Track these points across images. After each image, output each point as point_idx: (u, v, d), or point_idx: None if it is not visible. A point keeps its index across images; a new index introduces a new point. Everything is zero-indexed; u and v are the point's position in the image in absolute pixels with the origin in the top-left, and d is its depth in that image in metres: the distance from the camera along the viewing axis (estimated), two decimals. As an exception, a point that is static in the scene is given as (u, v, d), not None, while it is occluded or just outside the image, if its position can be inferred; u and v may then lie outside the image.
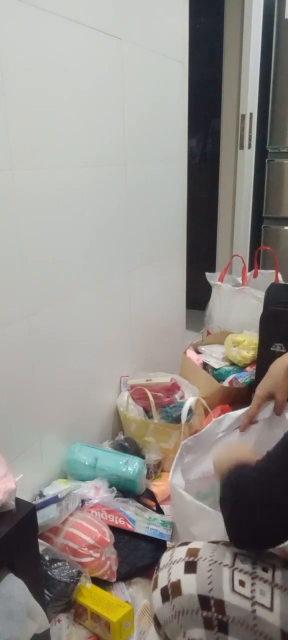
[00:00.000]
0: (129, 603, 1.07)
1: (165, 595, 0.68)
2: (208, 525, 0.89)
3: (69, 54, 1.25)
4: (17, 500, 0.84)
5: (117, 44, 1.44)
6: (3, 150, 1.08)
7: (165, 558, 0.73)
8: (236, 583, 0.64)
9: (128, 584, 1.15)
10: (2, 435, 1.16)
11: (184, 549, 0.71)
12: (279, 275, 2.29)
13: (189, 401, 1.39)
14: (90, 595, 1.06)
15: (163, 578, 0.70)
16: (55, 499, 1.14)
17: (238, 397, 1.73)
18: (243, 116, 2.60)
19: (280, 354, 1.13)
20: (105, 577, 1.12)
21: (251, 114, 2.61)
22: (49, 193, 1.24)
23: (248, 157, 2.68)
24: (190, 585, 0.66)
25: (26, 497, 1.23)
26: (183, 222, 2.09)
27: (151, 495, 1.37)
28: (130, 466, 1.34)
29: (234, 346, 1.93)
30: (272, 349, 1.64)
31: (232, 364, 1.95)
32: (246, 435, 1.16)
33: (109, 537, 1.14)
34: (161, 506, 1.37)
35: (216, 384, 1.77)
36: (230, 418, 1.16)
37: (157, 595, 0.70)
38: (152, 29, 1.63)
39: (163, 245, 1.92)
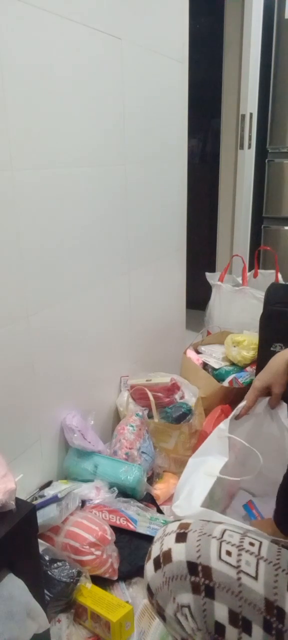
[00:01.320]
0: (129, 603, 1.07)
1: (157, 564, 0.72)
2: None
3: (69, 54, 1.25)
4: (17, 500, 0.84)
5: (117, 44, 1.44)
6: (3, 150, 1.08)
7: (158, 533, 0.77)
8: (223, 553, 0.68)
9: (128, 583, 1.15)
10: (2, 435, 1.16)
11: (176, 523, 0.75)
12: (279, 275, 2.29)
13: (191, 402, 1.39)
14: (90, 595, 1.06)
15: (156, 549, 0.74)
16: (55, 499, 1.14)
17: (238, 397, 1.72)
18: (243, 116, 2.60)
19: (280, 354, 1.13)
20: (106, 575, 1.12)
21: (251, 114, 2.61)
22: (49, 193, 1.24)
23: (248, 157, 2.68)
24: (180, 552, 0.70)
25: (26, 497, 1.23)
26: (183, 222, 2.09)
27: (151, 499, 1.37)
28: (129, 474, 1.35)
29: (234, 346, 1.93)
30: (272, 349, 1.64)
31: (232, 364, 1.95)
32: (237, 429, 1.17)
33: (110, 535, 1.14)
34: (161, 507, 1.37)
35: (216, 384, 1.77)
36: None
37: (150, 565, 0.73)
38: (152, 29, 1.63)
39: (163, 245, 1.92)
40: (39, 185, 1.20)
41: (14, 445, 1.23)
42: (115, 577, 1.13)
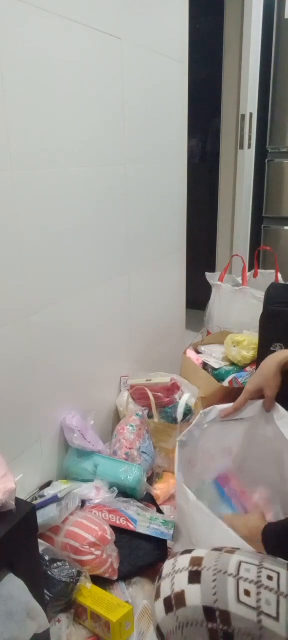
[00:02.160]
0: (129, 603, 1.07)
1: (169, 606, 0.67)
2: (207, 531, 0.89)
3: (69, 54, 1.25)
4: (17, 500, 0.84)
5: (117, 44, 1.44)
6: (3, 150, 1.08)
7: (167, 567, 0.71)
8: (241, 593, 0.63)
9: (128, 583, 1.15)
10: (2, 435, 1.16)
11: (187, 557, 0.70)
12: (279, 275, 2.29)
13: (184, 398, 1.39)
14: (90, 595, 1.06)
15: (166, 588, 0.68)
16: (55, 499, 1.14)
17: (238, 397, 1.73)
18: (243, 116, 2.60)
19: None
20: (106, 575, 1.12)
21: (251, 114, 2.61)
22: (49, 193, 1.24)
23: (248, 157, 2.68)
24: (195, 596, 0.65)
25: (26, 497, 1.23)
26: (183, 222, 2.09)
27: (151, 499, 1.37)
28: (129, 474, 1.34)
29: (234, 346, 1.93)
30: (272, 349, 1.64)
31: (232, 364, 1.95)
32: (232, 433, 1.17)
33: (109, 534, 1.14)
34: (161, 507, 1.37)
35: (216, 384, 1.77)
36: (216, 410, 1.17)
37: (160, 605, 0.68)
38: (152, 29, 1.63)
39: (163, 245, 1.92)
40: (39, 185, 1.20)
41: (14, 445, 1.23)
42: (115, 577, 1.13)
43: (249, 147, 2.67)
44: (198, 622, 0.63)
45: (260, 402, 1.14)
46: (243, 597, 0.63)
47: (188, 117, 1.98)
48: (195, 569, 0.67)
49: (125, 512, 1.24)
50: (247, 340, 1.90)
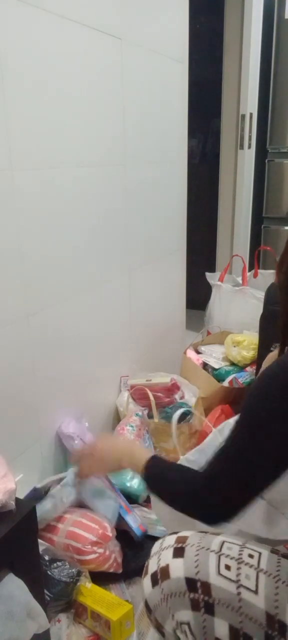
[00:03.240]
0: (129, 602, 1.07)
1: (155, 580, 0.70)
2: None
3: (69, 54, 1.25)
4: (17, 500, 0.84)
5: (117, 44, 1.44)
6: (3, 150, 1.08)
7: (155, 547, 0.75)
8: (222, 567, 0.66)
9: (128, 583, 1.15)
10: (2, 435, 1.16)
11: (173, 537, 0.74)
12: (279, 275, 2.28)
13: (179, 412, 1.36)
14: (90, 595, 1.06)
15: (153, 564, 0.72)
16: (33, 492, 1.15)
17: (238, 397, 1.73)
18: (243, 116, 2.60)
19: (279, 355, 1.12)
20: (111, 570, 1.13)
21: (251, 114, 2.61)
22: (49, 193, 1.24)
23: (248, 157, 2.68)
24: (178, 568, 0.68)
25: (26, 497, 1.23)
26: (183, 222, 2.09)
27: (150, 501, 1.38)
28: (136, 482, 1.35)
29: (234, 346, 1.93)
30: (272, 349, 1.64)
31: (232, 364, 1.95)
32: None
33: (110, 531, 1.14)
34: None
35: (216, 384, 1.78)
36: (230, 425, 1.14)
37: (147, 581, 0.72)
38: (152, 29, 1.63)
39: (163, 245, 1.92)
40: (39, 186, 1.20)
41: (14, 445, 1.23)
42: (120, 571, 1.14)
43: (249, 147, 2.67)
44: (181, 592, 0.67)
45: None
46: (223, 571, 0.66)
47: (188, 117, 1.98)
48: (179, 545, 0.71)
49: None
50: (247, 340, 1.90)
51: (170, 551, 0.71)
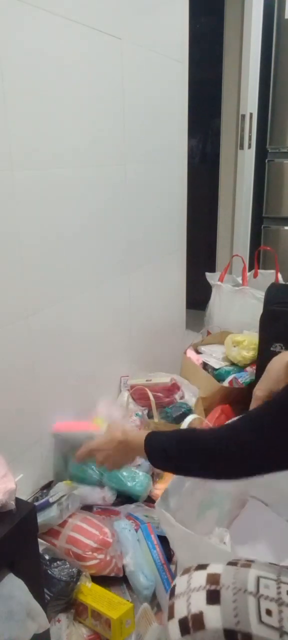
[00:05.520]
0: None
1: (185, 627, 0.62)
2: (192, 551, 0.87)
3: (69, 54, 1.25)
4: (17, 500, 0.84)
5: (117, 44, 1.44)
6: (3, 150, 1.08)
7: (181, 584, 0.66)
8: (263, 613, 0.60)
9: (128, 585, 1.15)
10: (2, 435, 1.16)
11: (203, 574, 0.66)
12: (279, 275, 2.28)
13: (189, 418, 1.36)
14: (90, 594, 1.06)
15: (181, 607, 0.64)
16: (46, 503, 1.15)
17: (238, 397, 1.73)
18: (243, 116, 2.60)
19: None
20: (112, 574, 1.12)
21: (251, 114, 2.61)
22: (49, 193, 1.24)
23: (248, 157, 2.68)
24: (215, 618, 0.61)
25: (26, 497, 1.23)
26: (183, 222, 2.09)
27: (151, 501, 1.37)
28: (137, 483, 1.35)
29: (234, 346, 1.93)
30: (272, 349, 1.64)
31: (232, 364, 1.95)
32: None
33: (110, 536, 1.14)
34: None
35: (216, 384, 1.78)
36: None
37: (174, 626, 0.63)
38: (152, 29, 1.63)
39: (163, 245, 1.92)
40: (38, 185, 1.20)
41: (14, 445, 1.23)
42: (121, 575, 1.13)
43: (249, 147, 2.67)
44: None
45: None
46: (264, 617, 0.60)
47: (188, 117, 1.98)
48: (213, 587, 0.63)
49: (133, 515, 1.26)
50: (247, 340, 1.90)
51: (203, 595, 0.63)
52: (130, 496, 1.35)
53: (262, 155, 2.71)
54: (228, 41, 2.57)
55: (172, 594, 0.67)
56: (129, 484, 1.35)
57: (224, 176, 2.76)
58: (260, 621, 0.60)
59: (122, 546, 1.16)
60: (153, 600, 1.13)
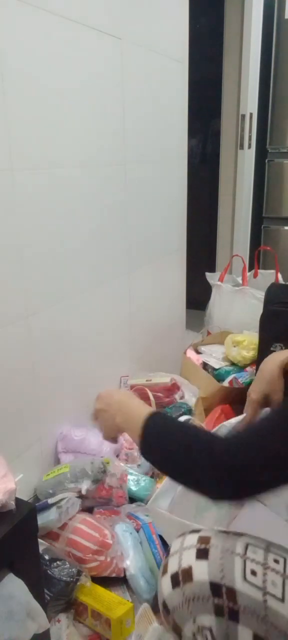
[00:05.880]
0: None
1: (176, 581, 0.68)
2: None
3: (69, 54, 1.25)
4: (17, 500, 0.84)
5: (117, 44, 1.44)
6: (3, 150, 1.08)
7: (175, 544, 0.72)
8: (248, 572, 0.64)
9: (128, 585, 1.15)
10: (2, 435, 1.16)
11: (195, 536, 0.71)
12: (279, 275, 2.29)
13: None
14: (90, 594, 1.06)
15: (173, 564, 0.69)
16: (45, 505, 1.15)
17: (238, 397, 1.73)
18: (243, 116, 2.60)
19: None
20: (113, 575, 1.12)
21: (251, 114, 2.61)
22: (49, 193, 1.24)
23: (248, 157, 2.68)
24: (202, 572, 0.66)
25: (27, 497, 1.23)
26: (183, 222, 2.09)
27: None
28: (142, 487, 1.36)
29: (234, 346, 1.93)
30: (272, 349, 1.64)
31: (232, 364, 1.95)
32: None
33: (110, 538, 1.14)
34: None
35: (216, 384, 1.77)
36: (225, 428, 1.10)
37: (166, 580, 0.69)
38: (152, 29, 1.63)
39: (163, 245, 1.92)
40: (39, 186, 1.20)
41: (14, 445, 1.23)
42: (122, 575, 1.13)
43: (249, 147, 2.67)
44: (205, 597, 0.64)
45: (267, 410, 1.07)
46: (249, 577, 0.64)
47: (188, 117, 1.98)
48: (203, 546, 0.68)
49: (134, 515, 1.26)
50: (247, 340, 1.90)
51: (193, 552, 0.68)
52: (134, 499, 1.36)
53: (262, 155, 2.71)
54: (228, 41, 2.57)
55: (167, 554, 0.72)
56: (133, 488, 1.35)
57: (224, 176, 2.76)
58: (245, 579, 0.63)
59: (122, 549, 1.16)
60: (154, 600, 1.13)
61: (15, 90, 1.09)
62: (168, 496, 0.98)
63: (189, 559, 0.68)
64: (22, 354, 1.22)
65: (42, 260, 1.25)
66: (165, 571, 0.70)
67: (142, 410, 0.77)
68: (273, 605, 0.61)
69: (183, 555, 0.69)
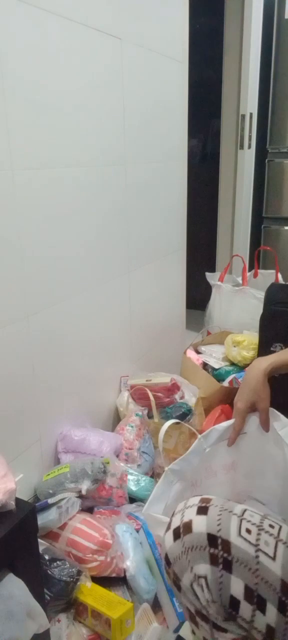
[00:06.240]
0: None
1: (177, 534, 0.73)
2: None
3: (69, 54, 1.25)
4: (17, 500, 0.84)
5: (117, 44, 1.44)
6: (3, 150, 1.08)
7: (179, 506, 0.77)
8: (243, 530, 0.69)
9: (128, 585, 1.15)
10: (2, 435, 1.17)
11: (198, 497, 0.76)
12: (279, 275, 2.29)
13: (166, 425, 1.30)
14: (90, 594, 1.06)
15: (176, 520, 0.75)
16: (44, 504, 1.15)
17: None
18: (243, 116, 2.60)
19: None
20: (113, 575, 1.12)
21: (251, 114, 2.61)
22: (49, 193, 1.24)
23: (248, 157, 2.68)
24: (201, 524, 0.71)
25: (26, 497, 1.24)
26: (183, 222, 2.09)
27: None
28: (142, 487, 1.36)
29: (234, 346, 1.93)
30: (272, 349, 1.64)
31: (232, 364, 1.95)
32: (235, 449, 1.09)
33: (110, 537, 1.14)
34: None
35: (216, 384, 1.77)
36: (216, 432, 1.08)
37: (169, 535, 0.74)
38: (152, 29, 1.63)
39: (163, 245, 1.92)
40: (39, 186, 1.20)
41: (14, 445, 1.23)
42: (122, 575, 1.13)
43: (249, 147, 2.67)
44: (202, 546, 0.69)
45: (255, 415, 1.05)
46: (244, 533, 0.68)
47: (188, 117, 1.98)
48: (203, 504, 0.74)
49: (135, 515, 1.26)
50: (247, 340, 1.90)
51: (194, 509, 0.74)
52: (135, 499, 1.36)
53: (262, 155, 2.71)
54: (228, 41, 2.57)
55: (172, 515, 0.77)
56: (133, 487, 1.35)
57: (224, 176, 2.76)
58: (239, 534, 0.68)
59: (122, 549, 1.16)
60: (154, 600, 1.13)
61: (16, 91, 1.09)
62: (162, 501, 0.97)
63: (190, 514, 0.73)
64: (22, 354, 1.22)
65: (42, 261, 1.25)
66: (168, 528, 0.76)
67: None
68: (265, 562, 0.66)
69: (185, 513, 0.74)
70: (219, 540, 0.68)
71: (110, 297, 1.58)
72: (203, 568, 0.68)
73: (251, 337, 1.90)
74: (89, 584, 1.08)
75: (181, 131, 1.95)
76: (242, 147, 2.65)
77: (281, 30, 2.48)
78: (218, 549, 0.68)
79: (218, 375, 1.90)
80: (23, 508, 0.85)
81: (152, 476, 1.49)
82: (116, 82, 1.47)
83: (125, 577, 1.14)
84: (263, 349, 1.71)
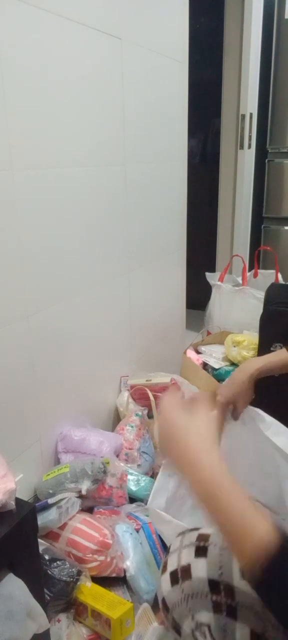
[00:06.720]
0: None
1: (175, 578, 0.68)
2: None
3: (69, 54, 1.25)
4: (17, 500, 0.84)
5: (117, 44, 1.44)
6: (3, 150, 1.08)
7: (175, 543, 0.72)
8: None
9: (128, 585, 1.15)
10: (2, 435, 1.16)
11: (195, 534, 0.71)
12: (279, 275, 2.29)
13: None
14: (90, 594, 1.06)
15: (173, 562, 0.70)
16: (44, 504, 1.15)
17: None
18: (243, 116, 2.60)
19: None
20: (113, 575, 1.12)
21: (251, 114, 2.61)
22: (49, 193, 1.24)
23: (248, 157, 2.68)
24: (201, 569, 0.66)
25: (27, 497, 1.23)
26: (183, 222, 2.09)
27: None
28: (142, 487, 1.36)
29: (234, 346, 1.93)
30: (272, 349, 1.64)
31: (232, 364, 1.95)
32: (228, 444, 1.11)
33: (110, 537, 1.14)
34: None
35: (216, 384, 1.77)
36: None
37: (166, 578, 0.70)
38: (152, 29, 1.63)
39: (163, 245, 1.92)
40: (39, 185, 1.20)
41: (14, 445, 1.23)
42: (122, 575, 1.13)
43: (249, 147, 2.67)
44: (203, 593, 0.64)
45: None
46: None
47: (188, 117, 1.98)
48: (202, 544, 0.68)
49: (135, 515, 1.26)
50: (247, 341, 1.90)
51: (192, 550, 0.69)
52: (135, 499, 1.36)
53: (262, 155, 2.71)
54: (228, 41, 2.57)
55: (167, 553, 0.72)
56: (133, 487, 1.35)
57: (224, 176, 2.76)
58: (243, 576, 0.62)
59: (122, 549, 1.16)
60: (154, 600, 1.13)
61: (16, 92, 1.09)
62: (163, 494, 0.98)
63: (188, 556, 0.68)
64: (22, 354, 1.22)
65: (42, 260, 1.25)
66: (164, 569, 0.71)
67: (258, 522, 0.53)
68: None
69: (182, 553, 0.69)
70: (222, 586, 0.63)
71: (110, 297, 1.58)
72: (206, 616, 0.64)
73: (251, 337, 1.90)
74: (89, 584, 1.08)
75: (181, 131, 1.95)
76: (242, 147, 2.65)
77: (281, 30, 2.48)
78: (221, 596, 0.63)
79: (218, 375, 1.90)
80: (23, 508, 0.85)
81: (152, 476, 1.49)
82: (116, 82, 1.47)
83: (125, 577, 1.14)
84: (263, 349, 1.71)
